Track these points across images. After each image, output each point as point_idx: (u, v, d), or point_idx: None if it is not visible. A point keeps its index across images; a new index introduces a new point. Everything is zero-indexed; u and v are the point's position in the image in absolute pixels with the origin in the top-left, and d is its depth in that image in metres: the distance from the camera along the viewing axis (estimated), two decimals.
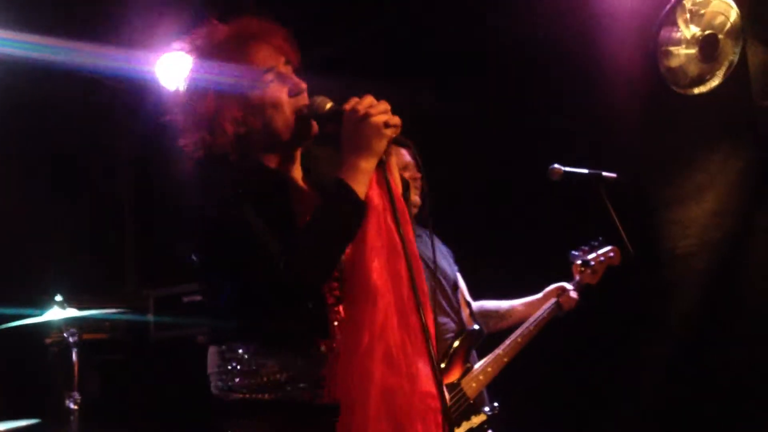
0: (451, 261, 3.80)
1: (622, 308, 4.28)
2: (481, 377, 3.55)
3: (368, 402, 2.08)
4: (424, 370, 2.13)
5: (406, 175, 3.49)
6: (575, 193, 3.90)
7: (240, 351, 2.18)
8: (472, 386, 3.52)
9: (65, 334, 4.26)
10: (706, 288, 4.23)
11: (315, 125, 2.25)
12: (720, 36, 4.01)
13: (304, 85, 2.26)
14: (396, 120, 2.16)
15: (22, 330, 4.23)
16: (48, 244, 5.19)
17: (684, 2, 4.01)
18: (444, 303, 3.64)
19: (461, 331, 3.60)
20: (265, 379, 2.16)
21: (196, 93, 2.24)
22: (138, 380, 5.40)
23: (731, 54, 4.05)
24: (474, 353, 3.65)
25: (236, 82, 2.21)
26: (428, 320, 2.14)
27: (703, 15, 4.00)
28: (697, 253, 4.30)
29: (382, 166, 2.18)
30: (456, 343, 3.52)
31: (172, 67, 5.16)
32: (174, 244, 4.90)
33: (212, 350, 2.24)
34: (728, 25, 4.01)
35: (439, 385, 2.11)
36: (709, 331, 4.17)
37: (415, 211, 3.61)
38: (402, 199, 2.24)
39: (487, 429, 3.53)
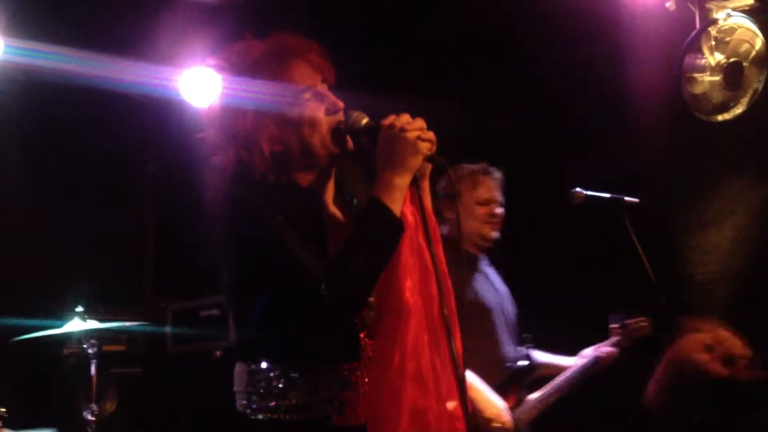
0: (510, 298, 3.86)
1: None
2: (532, 410, 3.61)
3: (399, 421, 2.08)
4: (451, 391, 2.13)
5: (483, 210, 3.67)
6: (597, 217, 3.90)
7: (269, 371, 2.18)
8: (523, 418, 3.58)
9: (84, 346, 4.29)
10: (725, 315, 4.21)
11: (350, 141, 2.23)
12: (745, 64, 4.00)
13: (341, 104, 2.25)
14: (431, 136, 2.14)
15: (41, 341, 4.25)
16: (68, 257, 5.22)
17: (709, 29, 4.00)
18: (509, 334, 3.70)
19: (525, 364, 3.68)
20: (293, 401, 2.16)
21: (233, 110, 2.21)
22: (155, 393, 5.40)
23: (756, 82, 4.04)
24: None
25: (274, 100, 2.19)
26: (456, 341, 2.13)
27: (728, 42, 4.00)
28: (717, 280, 4.29)
29: (415, 184, 2.17)
30: (514, 373, 3.62)
31: (196, 83, 5.20)
32: (198, 258, 4.98)
33: (240, 368, 2.24)
34: (753, 53, 4.01)
35: (464, 408, 2.10)
36: None
37: (487, 245, 3.71)
38: (434, 218, 2.22)
39: None
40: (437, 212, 2.37)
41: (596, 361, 3.75)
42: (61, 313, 4.38)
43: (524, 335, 3.76)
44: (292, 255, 2.08)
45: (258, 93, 2.20)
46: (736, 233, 4.30)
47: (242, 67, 2.24)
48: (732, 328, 2.66)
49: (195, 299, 5.45)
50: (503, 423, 3.43)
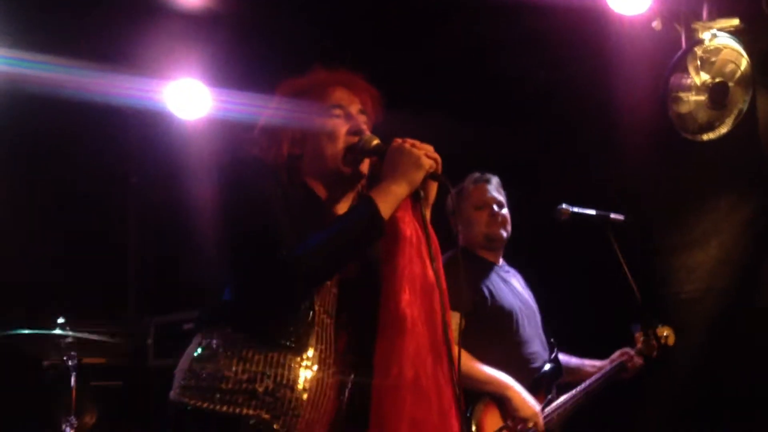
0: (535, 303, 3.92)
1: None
2: (561, 412, 3.64)
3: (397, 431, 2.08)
4: (451, 405, 2.14)
5: (482, 213, 3.78)
6: (582, 234, 3.91)
7: (214, 346, 2.19)
8: (553, 419, 3.61)
9: (64, 358, 4.24)
10: (710, 334, 4.23)
11: (365, 164, 2.33)
12: (730, 84, 4.03)
13: (365, 127, 2.36)
14: (435, 156, 2.24)
15: (20, 352, 4.20)
16: (50, 268, 5.17)
17: (695, 49, 4.04)
18: (536, 337, 3.74)
19: (552, 367, 3.69)
20: (227, 385, 2.15)
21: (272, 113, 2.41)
22: (135, 406, 5.35)
23: (741, 102, 4.07)
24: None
25: (306, 111, 2.35)
26: (453, 356, 2.16)
27: (713, 63, 4.03)
28: (702, 299, 4.31)
29: (419, 201, 2.24)
30: (542, 376, 3.63)
31: (181, 95, 5.19)
32: (182, 271, 4.96)
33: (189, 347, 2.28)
34: (738, 74, 4.04)
35: (462, 422, 2.12)
36: (714, 376, 4.17)
37: (497, 245, 3.82)
38: (434, 235, 2.28)
39: None
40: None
41: (622, 368, 3.80)
42: (42, 325, 4.33)
43: (551, 339, 3.80)
44: (274, 221, 2.14)
45: (296, 107, 2.37)
46: (720, 253, 4.32)
47: (299, 87, 2.42)
48: None
49: (178, 312, 5.40)
50: (537, 424, 3.47)
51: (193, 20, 4.76)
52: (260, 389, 2.13)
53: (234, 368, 2.14)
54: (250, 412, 2.13)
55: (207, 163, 4.91)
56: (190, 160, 5.25)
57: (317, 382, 2.18)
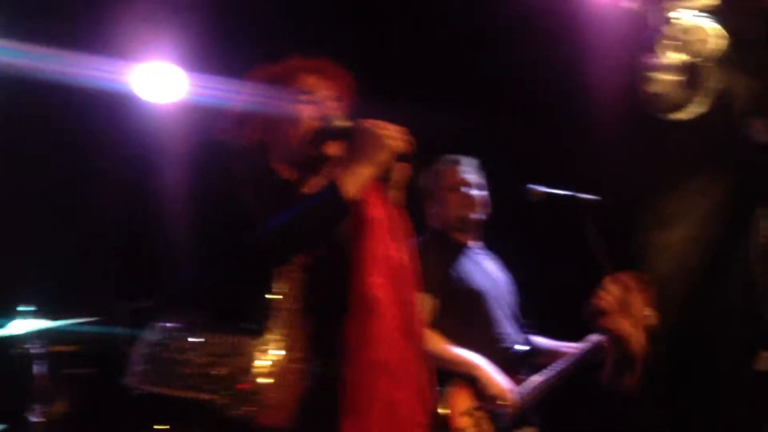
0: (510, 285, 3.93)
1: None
2: (535, 393, 3.65)
3: (371, 413, 2.09)
4: (424, 386, 2.17)
5: (455, 195, 3.82)
6: (555, 214, 3.91)
7: (173, 330, 2.18)
8: (527, 399, 3.63)
9: (37, 345, 4.21)
10: (682, 313, 4.23)
11: (331, 147, 2.32)
12: (704, 63, 4.02)
13: (332, 112, 2.36)
14: (404, 137, 2.23)
15: None
16: (22, 253, 5.13)
17: (669, 28, 4.02)
18: (508, 319, 3.77)
19: (525, 349, 3.74)
20: (187, 370, 2.13)
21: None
22: (108, 394, 5.31)
23: (714, 82, 4.06)
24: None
25: (272, 98, 2.36)
26: (419, 336, 2.19)
27: (687, 42, 4.02)
28: (675, 278, 4.31)
29: (387, 183, 2.25)
30: (514, 357, 3.67)
31: (153, 78, 5.14)
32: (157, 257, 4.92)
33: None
34: (713, 53, 4.02)
35: (425, 402, 2.14)
36: (686, 355, 4.18)
37: (471, 227, 3.86)
38: (405, 217, 2.30)
39: None
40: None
41: (599, 349, 3.77)
42: (14, 312, 4.30)
43: (524, 321, 3.81)
44: (241, 206, 2.17)
45: (264, 93, 2.39)
46: (693, 232, 4.32)
47: (274, 74, 2.42)
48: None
49: (151, 299, 5.36)
50: (508, 401, 3.46)
51: (164, 1, 4.73)
52: (218, 374, 2.11)
53: (192, 352, 2.12)
54: (208, 397, 2.11)
55: (179, 147, 4.89)
56: (162, 144, 5.23)
57: (278, 368, 2.16)
